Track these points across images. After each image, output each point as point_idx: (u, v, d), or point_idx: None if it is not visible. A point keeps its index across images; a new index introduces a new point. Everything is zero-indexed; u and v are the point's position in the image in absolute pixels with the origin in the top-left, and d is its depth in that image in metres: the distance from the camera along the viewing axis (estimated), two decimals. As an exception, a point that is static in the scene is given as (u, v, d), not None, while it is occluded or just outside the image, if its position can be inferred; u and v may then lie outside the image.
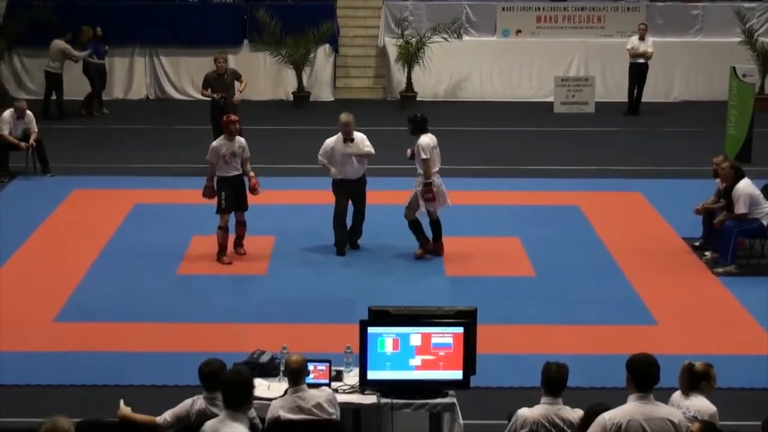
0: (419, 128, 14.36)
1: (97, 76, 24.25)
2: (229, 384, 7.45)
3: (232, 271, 14.10)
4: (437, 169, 14.36)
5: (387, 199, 16.91)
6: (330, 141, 14.70)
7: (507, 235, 15.63)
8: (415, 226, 14.59)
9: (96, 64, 24.12)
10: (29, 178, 18.55)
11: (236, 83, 18.97)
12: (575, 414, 7.88)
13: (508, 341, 11.88)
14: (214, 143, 14.43)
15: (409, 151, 14.51)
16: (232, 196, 14.31)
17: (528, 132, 22.84)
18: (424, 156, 14.12)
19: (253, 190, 14.49)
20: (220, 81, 18.68)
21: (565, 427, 7.84)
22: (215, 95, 18.54)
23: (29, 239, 15.31)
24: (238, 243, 14.71)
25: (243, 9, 26.12)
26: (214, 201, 14.38)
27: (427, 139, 14.21)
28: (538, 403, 8.02)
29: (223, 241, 14.39)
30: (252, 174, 14.48)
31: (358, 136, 14.74)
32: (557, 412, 7.88)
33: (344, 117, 14.75)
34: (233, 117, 14.70)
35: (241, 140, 14.48)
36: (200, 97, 25.72)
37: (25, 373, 11.03)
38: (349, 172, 14.69)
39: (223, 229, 14.36)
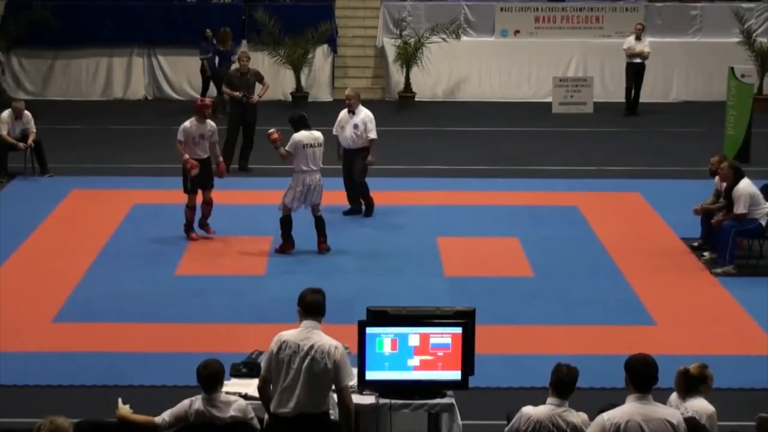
0: (299, 126, 14.58)
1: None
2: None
3: (231, 272, 14.10)
4: (312, 168, 14.43)
5: (386, 199, 16.95)
6: (341, 112, 16.27)
7: (505, 235, 15.63)
8: (285, 223, 14.65)
9: (229, 66, 23.90)
10: (28, 178, 18.56)
11: (258, 84, 19.24)
12: (579, 417, 7.87)
13: (507, 342, 11.88)
14: (186, 123, 15.05)
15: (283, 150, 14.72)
16: (199, 176, 14.89)
17: (526, 132, 22.84)
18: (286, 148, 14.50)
19: (221, 175, 15.19)
20: (243, 80, 18.98)
21: (569, 430, 7.82)
22: (237, 93, 18.71)
23: (28, 240, 15.30)
24: (204, 222, 15.22)
25: (242, 9, 26.12)
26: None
27: (299, 135, 14.49)
28: (539, 403, 8.01)
29: (191, 218, 15.10)
30: (220, 159, 15.29)
31: (363, 112, 16.07)
32: (562, 414, 7.86)
33: (347, 91, 16.64)
34: (207, 101, 15.54)
35: (211, 124, 15.09)
36: (198, 96, 25.95)
37: (24, 373, 11.02)
38: (344, 140, 16.11)
39: (192, 209, 15.07)
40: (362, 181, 16.24)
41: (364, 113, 16.12)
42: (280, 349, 7.90)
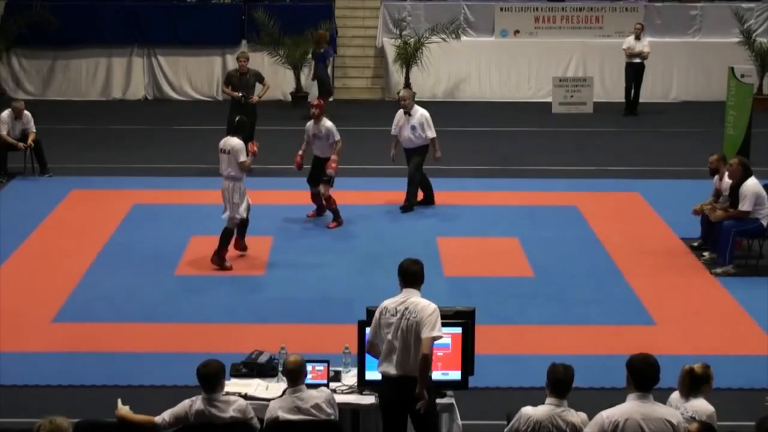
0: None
1: (319, 83, 24.05)
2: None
3: (231, 272, 14.09)
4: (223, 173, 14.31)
5: (386, 199, 16.97)
6: (398, 113, 16.63)
7: (505, 235, 15.63)
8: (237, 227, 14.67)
9: (324, 68, 23.98)
10: (27, 178, 18.55)
11: (258, 85, 19.29)
12: (579, 417, 7.87)
13: (507, 342, 11.88)
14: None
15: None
16: (313, 173, 15.82)
17: (526, 132, 22.84)
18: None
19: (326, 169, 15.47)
20: (242, 80, 19.04)
21: (568, 430, 7.82)
22: (236, 93, 18.77)
23: (27, 240, 15.30)
24: (321, 213, 16.18)
25: (241, 9, 26.12)
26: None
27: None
28: (539, 403, 8.01)
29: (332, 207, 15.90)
30: (333, 156, 15.53)
31: (419, 113, 16.42)
32: (561, 414, 7.86)
33: (401, 92, 16.97)
34: (314, 101, 15.93)
35: (325, 125, 15.54)
36: (197, 96, 26.06)
37: (24, 373, 11.03)
38: (403, 140, 16.58)
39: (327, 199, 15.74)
40: (416, 175, 16.52)
41: (419, 113, 16.49)
42: (381, 314, 8.42)
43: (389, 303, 8.43)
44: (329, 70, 24.94)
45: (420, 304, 8.33)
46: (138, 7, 26.08)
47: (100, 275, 13.94)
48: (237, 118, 14.78)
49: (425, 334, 8.18)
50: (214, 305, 12.98)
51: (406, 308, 8.33)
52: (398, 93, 17.12)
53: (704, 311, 12.99)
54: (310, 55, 24.36)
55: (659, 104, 25.77)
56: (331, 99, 23.64)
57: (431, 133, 16.51)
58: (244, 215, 14.20)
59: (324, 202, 15.71)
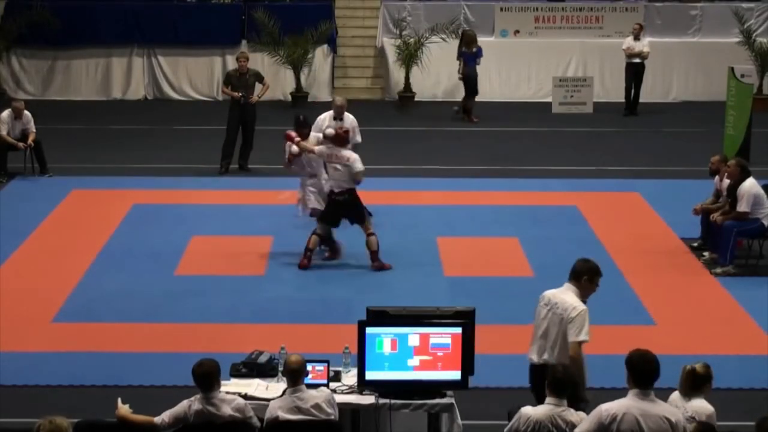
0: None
1: (473, 83, 24.07)
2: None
3: (231, 272, 14.09)
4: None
5: (386, 199, 16.96)
6: (326, 115, 15.72)
7: (505, 235, 15.63)
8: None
9: (472, 70, 23.99)
10: (27, 178, 18.55)
11: (257, 84, 19.26)
12: (578, 417, 7.87)
13: (507, 341, 11.87)
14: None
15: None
16: None
17: (526, 132, 22.84)
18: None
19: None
20: (242, 80, 19.02)
21: (568, 430, 7.83)
22: (236, 94, 18.77)
23: (27, 240, 15.30)
24: None
25: (241, 9, 26.13)
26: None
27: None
28: (538, 403, 8.02)
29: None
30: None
31: (350, 118, 15.75)
32: (561, 414, 7.87)
33: (339, 100, 16.06)
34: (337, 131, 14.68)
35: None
36: (197, 96, 26.06)
37: (24, 373, 11.03)
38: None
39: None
40: None
41: (351, 119, 15.88)
42: (539, 302, 9.00)
43: (549, 292, 8.99)
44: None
45: (568, 302, 8.81)
46: (138, 7, 26.10)
47: (100, 275, 13.94)
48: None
49: (572, 337, 8.69)
50: (214, 305, 12.97)
51: (556, 303, 8.84)
52: (334, 99, 16.66)
53: (704, 311, 12.99)
54: (458, 56, 24.18)
55: (659, 104, 25.77)
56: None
57: (359, 138, 15.88)
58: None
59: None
